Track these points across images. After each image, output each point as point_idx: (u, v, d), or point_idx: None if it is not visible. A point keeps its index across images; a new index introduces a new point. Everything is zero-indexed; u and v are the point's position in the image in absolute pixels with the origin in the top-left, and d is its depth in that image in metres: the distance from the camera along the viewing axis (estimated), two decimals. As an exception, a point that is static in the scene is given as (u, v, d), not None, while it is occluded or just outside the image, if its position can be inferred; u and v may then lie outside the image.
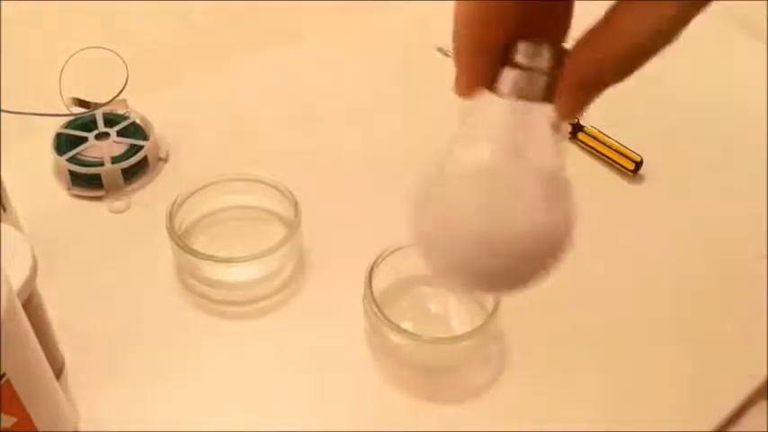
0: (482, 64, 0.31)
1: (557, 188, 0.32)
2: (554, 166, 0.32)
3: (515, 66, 0.30)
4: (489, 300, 0.49)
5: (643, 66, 0.29)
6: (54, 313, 0.47)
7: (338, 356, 0.51)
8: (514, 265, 0.32)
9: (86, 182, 0.60)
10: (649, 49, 0.28)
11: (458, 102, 0.32)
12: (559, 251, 0.33)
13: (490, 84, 0.31)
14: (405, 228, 0.34)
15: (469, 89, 0.31)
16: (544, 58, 0.30)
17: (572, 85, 0.29)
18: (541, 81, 0.30)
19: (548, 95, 0.30)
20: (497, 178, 0.32)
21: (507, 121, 0.31)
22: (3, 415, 0.39)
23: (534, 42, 0.30)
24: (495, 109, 0.31)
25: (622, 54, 0.28)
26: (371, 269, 0.50)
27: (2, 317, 0.36)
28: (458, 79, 0.32)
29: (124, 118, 0.63)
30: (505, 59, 0.30)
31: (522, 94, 0.30)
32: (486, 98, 0.31)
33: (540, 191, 0.32)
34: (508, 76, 0.30)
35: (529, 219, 0.32)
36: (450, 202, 0.32)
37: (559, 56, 0.30)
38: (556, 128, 0.31)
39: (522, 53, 0.30)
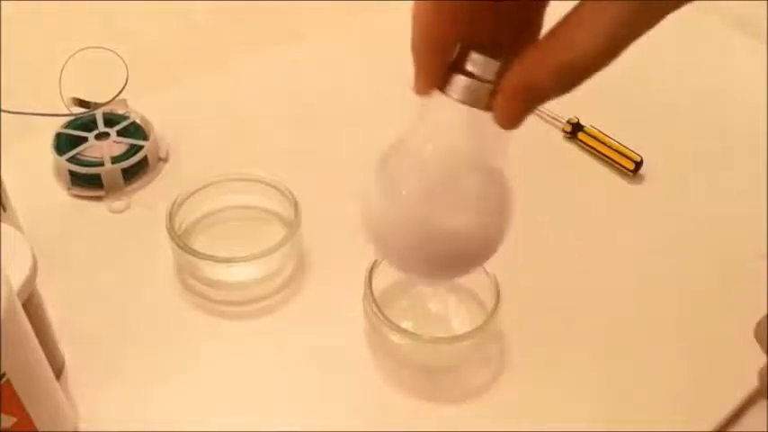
0: (437, 63, 0.32)
1: (492, 187, 0.35)
2: (493, 168, 0.35)
3: (465, 73, 0.31)
4: (489, 300, 0.49)
5: (589, 77, 0.28)
6: (54, 313, 0.48)
7: (338, 356, 0.51)
8: (448, 253, 0.35)
9: (86, 182, 0.60)
10: (597, 57, 0.27)
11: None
12: (492, 245, 0.36)
13: (443, 84, 0.32)
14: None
15: (426, 87, 0.32)
16: (493, 69, 0.30)
17: (510, 95, 0.30)
18: (488, 90, 0.31)
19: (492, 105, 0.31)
20: (438, 174, 0.34)
21: (453, 123, 0.33)
22: (3, 415, 0.39)
23: (486, 52, 0.31)
24: (445, 110, 0.32)
25: (560, 68, 0.28)
26: (371, 269, 0.50)
27: (2, 317, 0.36)
28: (416, 77, 0.32)
29: (124, 118, 0.63)
30: (458, 66, 0.31)
31: (469, 100, 0.31)
32: (439, 98, 0.32)
33: (476, 188, 0.35)
34: (458, 82, 0.31)
35: (462, 213, 0.34)
36: (394, 192, 0.35)
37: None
38: (499, 134, 0.32)
39: (472, 62, 0.31)
